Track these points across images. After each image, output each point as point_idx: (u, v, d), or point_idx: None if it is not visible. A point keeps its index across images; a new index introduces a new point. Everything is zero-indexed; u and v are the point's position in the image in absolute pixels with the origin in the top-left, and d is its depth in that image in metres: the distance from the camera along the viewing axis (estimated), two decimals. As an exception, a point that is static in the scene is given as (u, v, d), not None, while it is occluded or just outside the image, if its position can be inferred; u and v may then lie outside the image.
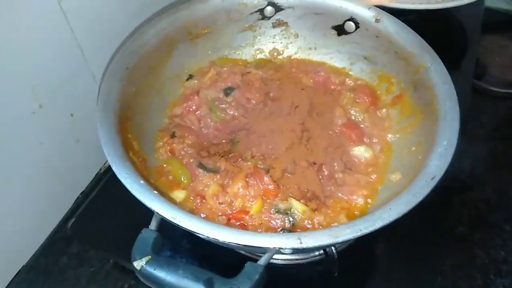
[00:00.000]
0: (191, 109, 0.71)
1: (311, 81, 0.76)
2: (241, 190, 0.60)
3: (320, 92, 0.73)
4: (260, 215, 0.59)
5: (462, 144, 0.54)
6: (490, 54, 0.97)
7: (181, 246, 0.65)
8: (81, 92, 0.69)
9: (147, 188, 0.49)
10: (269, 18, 0.77)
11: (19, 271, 0.68)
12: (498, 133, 0.85)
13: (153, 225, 0.48)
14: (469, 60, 0.93)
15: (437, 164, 0.51)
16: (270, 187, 0.60)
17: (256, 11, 0.76)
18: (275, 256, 0.63)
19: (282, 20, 0.78)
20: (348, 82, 0.75)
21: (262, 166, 0.62)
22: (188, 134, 0.67)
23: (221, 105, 0.71)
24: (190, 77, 0.75)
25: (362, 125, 0.69)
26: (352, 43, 0.75)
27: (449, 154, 0.52)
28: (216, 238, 0.45)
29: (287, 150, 0.64)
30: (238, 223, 0.59)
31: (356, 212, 0.60)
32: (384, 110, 0.70)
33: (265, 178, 0.60)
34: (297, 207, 0.59)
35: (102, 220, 0.69)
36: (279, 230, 0.58)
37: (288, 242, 0.44)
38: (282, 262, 0.64)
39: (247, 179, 0.60)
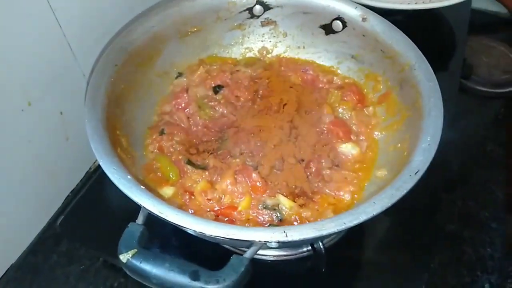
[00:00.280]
0: (180, 107, 0.71)
1: (300, 79, 0.76)
2: (229, 186, 0.60)
3: (308, 90, 0.74)
4: (248, 211, 0.60)
5: (450, 143, 0.55)
6: (477, 55, 0.99)
7: (169, 243, 0.65)
8: (71, 90, 0.69)
9: (134, 183, 0.49)
10: (258, 17, 0.78)
11: (7, 269, 0.67)
12: (485, 132, 0.86)
13: (140, 219, 0.48)
14: (457, 60, 0.93)
15: (421, 159, 0.52)
16: (258, 183, 0.60)
17: (244, 10, 0.77)
18: (264, 252, 0.64)
19: (270, 19, 0.78)
20: (336, 80, 0.76)
21: (250, 163, 0.63)
22: (177, 131, 0.67)
23: (210, 103, 0.71)
24: (179, 75, 0.75)
25: (349, 123, 0.70)
26: (340, 42, 0.76)
27: (433, 149, 0.52)
28: (203, 232, 0.45)
29: (275, 147, 0.64)
30: (226, 219, 0.59)
31: (343, 208, 0.61)
32: (371, 108, 0.71)
33: (253, 175, 0.61)
34: (285, 203, 0.59)
35: (92, 218, 0.69)
36: (266, 225, 0.59)
37: (273, 235, 0.45)
38: (271, 258, 0.64)
39: (235, 176, 0.61)
